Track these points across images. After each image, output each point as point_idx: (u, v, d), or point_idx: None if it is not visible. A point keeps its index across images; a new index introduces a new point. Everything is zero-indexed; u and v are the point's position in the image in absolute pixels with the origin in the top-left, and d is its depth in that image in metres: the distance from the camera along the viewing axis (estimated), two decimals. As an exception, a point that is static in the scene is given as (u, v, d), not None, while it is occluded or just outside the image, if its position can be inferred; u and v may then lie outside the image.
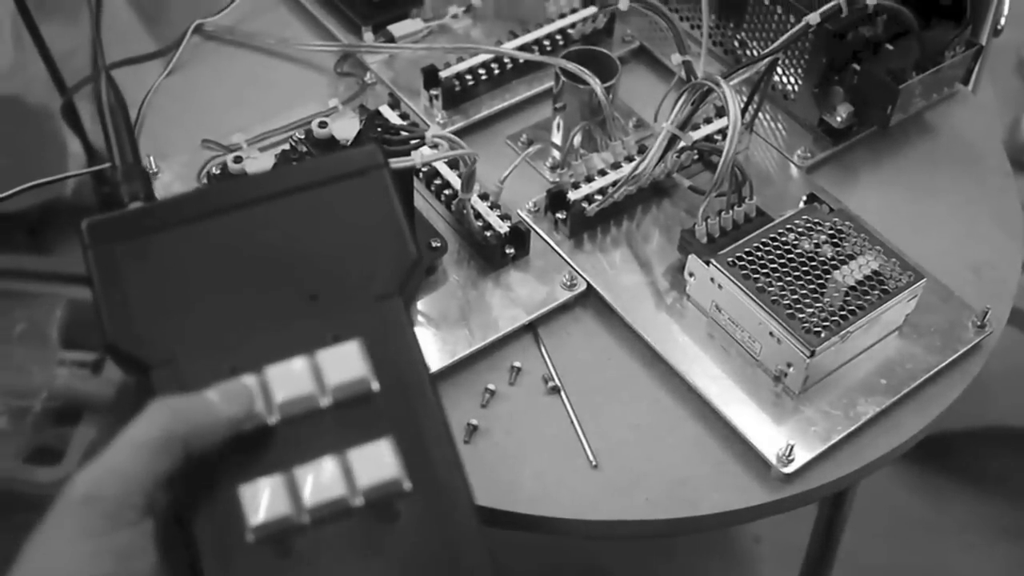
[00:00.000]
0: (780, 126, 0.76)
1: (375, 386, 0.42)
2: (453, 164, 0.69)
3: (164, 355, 0.42)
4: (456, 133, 0.74)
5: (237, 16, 0.82)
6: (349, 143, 0.63)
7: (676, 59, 0.72)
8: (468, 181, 0.64)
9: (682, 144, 0.67)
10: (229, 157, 0.62)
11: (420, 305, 0.64)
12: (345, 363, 0.42)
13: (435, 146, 0.62)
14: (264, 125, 0.73)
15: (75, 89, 0.97)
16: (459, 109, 0.75)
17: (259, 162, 0.61)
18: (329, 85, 0.78)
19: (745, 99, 0.71)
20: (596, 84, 0.69)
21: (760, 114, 0.76)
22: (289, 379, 0.42)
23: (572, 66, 0.70)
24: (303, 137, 0.64)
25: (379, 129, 0.63)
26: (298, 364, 0.42)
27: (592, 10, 0.79)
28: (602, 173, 0.69)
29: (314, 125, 0.63)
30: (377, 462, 0.41)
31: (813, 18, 0.68)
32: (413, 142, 0.62)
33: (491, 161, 0.72)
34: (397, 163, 0.59)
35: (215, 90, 0.78)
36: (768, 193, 0.71)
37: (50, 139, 1.04)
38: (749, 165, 0.74)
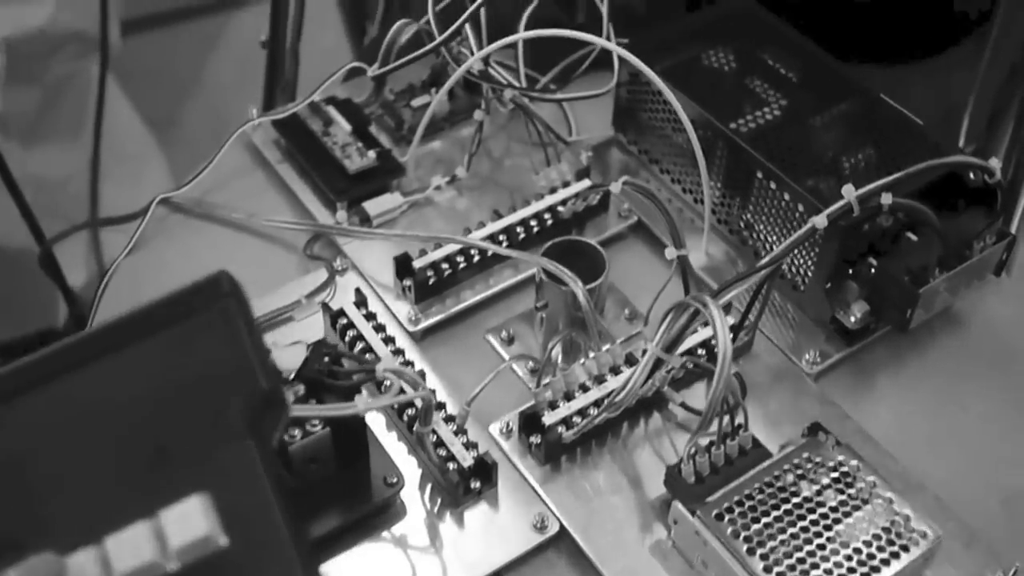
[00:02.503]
0: (789, 319, 0.69)
1: (223, 542, 0.38)
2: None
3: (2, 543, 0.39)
4: (431, 328, 0.68)
5: (208, 184, 0.77)
6: (292, 376, 0.57)
7: (671, 253, 0.65)
8: (425, 416, 0.57)
9: (671, 365, 0.60)
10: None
11: (376, 547, 0.58)
12: (188, 521, 0.38)
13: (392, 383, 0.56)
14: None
15: (54, 241, 0.93)
16: (435, 300, 0.69)
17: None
18: (299, 266, 0.73)
19: (742, 311, 0.64)
20: (577, 287, 0.63)
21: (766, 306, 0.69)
22: (129, 548, 0.38)
23: (552, 266, 0.64)
24: (246, 362, 0.58)
25: (326, 359, 0.57)
26: (138, 530, 0.38)
27: (586, 183, 0.72)
28: (584, 388, 0.62)
29: (256, 352, 0.58)
30: None
31: (820, 221, 0.61)
32: (359, 376, 0.56)
33: (468, 359, 0.67)
34: (336, 411, 0.53)
35: (178, 271, 0.72)
36: (771, 405, 0.64)
37: (33, 285, 1.00)
38: (751, 364, 0.66)
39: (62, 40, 1.10)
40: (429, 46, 0.73)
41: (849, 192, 0.61)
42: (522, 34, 0.73)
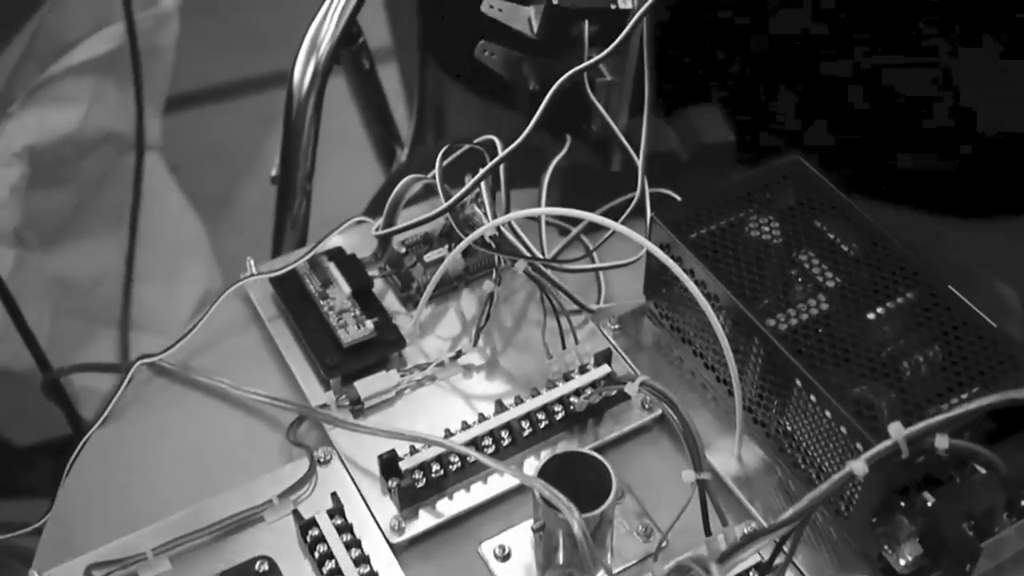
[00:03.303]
0: (831, 543, 0.59)
1: None
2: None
3: None
4: (420, 536, 0.61)
5: (198, 341, 0.70)
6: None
7: (688, 477, 0.56)
8: None
9: (673, 629, 0.51)
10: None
11: None
12: None
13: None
14: (188, 520, 0.60)
15: (62, 372, 0.88)
16: (424, 503, 0.61)
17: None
18: (282, 449, 0.65)
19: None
20: (574, 518, 0.54)
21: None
22: None
23: (547, 491, 0.55)
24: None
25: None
26: None
27: (605, 370, 0.64)
28: (577, 636, 0.54)
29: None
30: None
31: (859, 468, 0.51)
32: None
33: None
34: None
35: (151, 448, 0.67)
36: (799, 666, 0.55)
37: (38, 410, 0.96)
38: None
39: (94, 142, 1.05)
40: (434, 212, 0.65)
41: (897, 431, 0.52)
42: (544, 209, 0.66)
